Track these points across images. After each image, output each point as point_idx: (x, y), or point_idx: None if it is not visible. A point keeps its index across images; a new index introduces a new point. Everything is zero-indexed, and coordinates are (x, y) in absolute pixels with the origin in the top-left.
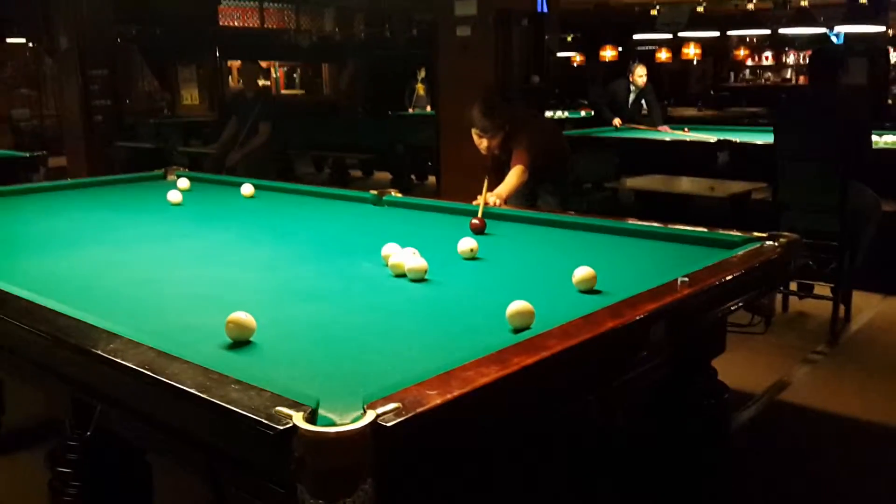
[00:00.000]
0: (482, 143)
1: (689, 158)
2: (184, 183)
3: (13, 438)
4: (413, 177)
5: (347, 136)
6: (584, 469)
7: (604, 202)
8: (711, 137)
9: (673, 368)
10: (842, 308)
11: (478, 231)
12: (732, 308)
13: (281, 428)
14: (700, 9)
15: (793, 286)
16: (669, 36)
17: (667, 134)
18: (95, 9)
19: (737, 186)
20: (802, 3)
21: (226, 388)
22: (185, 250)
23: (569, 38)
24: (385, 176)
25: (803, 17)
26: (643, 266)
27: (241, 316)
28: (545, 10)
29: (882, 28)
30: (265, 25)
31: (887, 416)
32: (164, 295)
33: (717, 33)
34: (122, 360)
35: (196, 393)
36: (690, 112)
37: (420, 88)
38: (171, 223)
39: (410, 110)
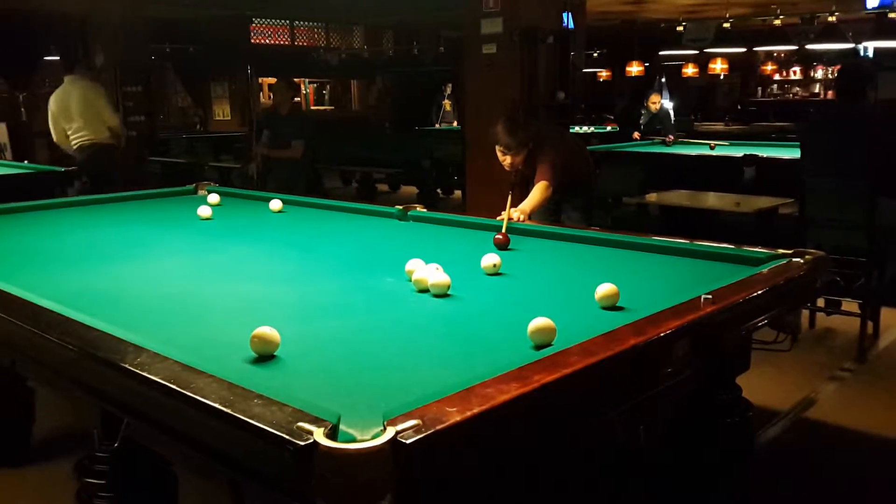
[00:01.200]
0: (506, 160)
1: (716, 173)
2: (214, 198)
3: (43, 448)
4: (439, 191)
5: (375, 150)
6: (607, 486)
7: (628, 217)
8: (738, 153)
9: (697, 385)
10: (870, 325)
11: (501, 247)
12: (758, 325)
13: (302, 444)
14: (726, 25)
15: (820, 302)
16: (696, 52)
17: (685, 147)
18: (129, 28)
19: (763, 202)
20: (830, 19)
21: (248, 403)
22: (214, 264)
23: (594, 55)
24: (412, 190)
25: (831, 33)
26: (667, 282)
27: (266, 330)
28: (571, 26)
29: None
30: (296, 43)
31: None
32: (191, 309)
33: (743, 49)
34: (148, 373)
35: (219, 407)
36: (718, 127)
37: (447, 104)
38: (201, 238)
39: (437, 126)
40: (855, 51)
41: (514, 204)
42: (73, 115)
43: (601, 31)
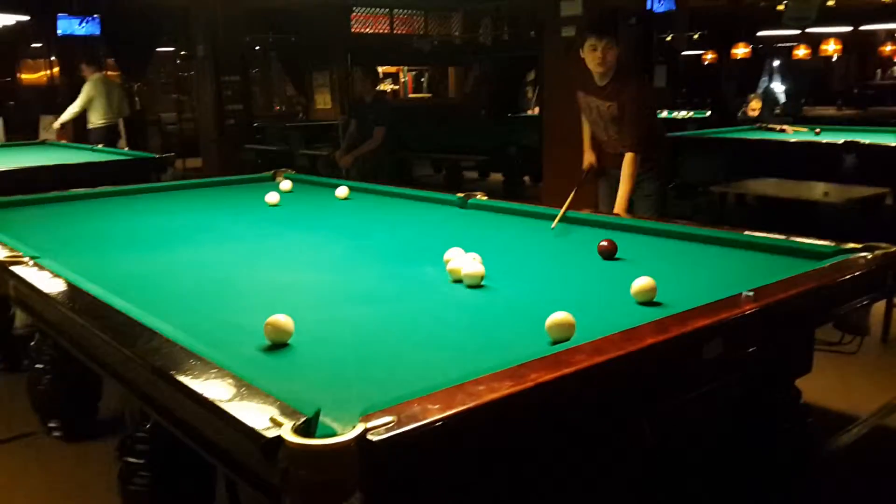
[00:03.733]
0: (596, 55)
1: (814, 161)
2: (286, 185)
3: (107, 424)
4: (526, 178)
5: (465, 138)
6: (618, 490)
7: (713, 206)
8: (841, 139)
9: (744, 388)
10: None
11: (607, 255)
12: (810, 325)
13: (268, 437)
14: (831, 2)
15: None
16: (797, 32)
17: (795, 134)
18: (230, 18)
19: (857, 191)
20: None
21: (235, 393)
22: (264, 251)
23: (696, 36)
24: (499, 178)
25: None
26: (715, 276)
27: (280, 319)
28: (672, 7)
29: None
30: (395, 31)
31: None
32: (226, 294)
33: (849, 28)
34: (151, 359)
35: (202, 395)
36: (829, 112)
37: (528, 92)
38: (262, 224)
39: (531, 112)
40: None
41: (588, 172)
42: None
43: (705, 12)
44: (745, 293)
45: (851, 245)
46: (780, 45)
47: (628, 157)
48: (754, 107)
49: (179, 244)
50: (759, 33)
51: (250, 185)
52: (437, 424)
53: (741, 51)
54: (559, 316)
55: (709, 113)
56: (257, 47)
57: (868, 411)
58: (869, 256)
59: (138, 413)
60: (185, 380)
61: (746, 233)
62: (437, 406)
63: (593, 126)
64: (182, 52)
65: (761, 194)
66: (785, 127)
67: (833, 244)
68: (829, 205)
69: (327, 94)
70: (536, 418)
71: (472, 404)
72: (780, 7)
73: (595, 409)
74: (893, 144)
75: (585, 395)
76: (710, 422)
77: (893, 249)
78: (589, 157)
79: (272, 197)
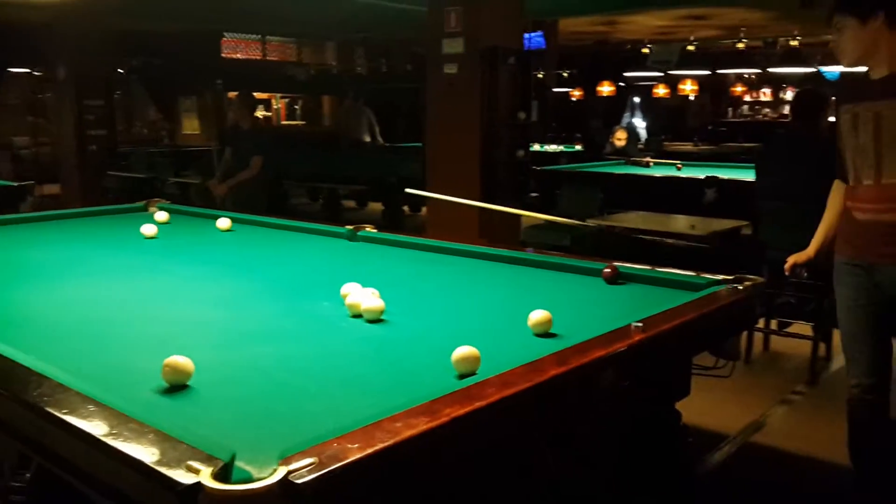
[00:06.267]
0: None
1: (679, 195)
2: (161, 216)
3: None
4: (406, 208)
5: (342, 166)
6: None
7: (587, 239)
8: (702, 174)
9: (632, 413)
10: (822, 347)
11: (611, 279)
12: (690, 353)
13: (186, 484)
14: (691, 47)
15: (773, 325)
16: (661, 74)
17: (656, 167)
18: (94, 41)
19: (720, 224)
20: (792, 43)
21: (142, 438)
22: (147, 287)
23: (565, 74)
24: (378, 207)
25: (794, 57)
26: (604, 308)
27: (179, 360)
28: (542, 46)
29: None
30: (267, 58)
31: None
32: (112, 334)
33: (708, 71)
34: (46, 406)
35: (108, 443)
36: (687, 147)
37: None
38: (142, 257)
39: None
40: (817, 74)
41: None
42: None
43: (575, 51)
44: (634, 324)
45: (723, 277)
46: (642, 83)
47: (836, 188)
48: (620, 136)
49: (55, 280)
50: (626, 73)
51: (122, 215)
52: (359, 463)
53: (606, 88)
54: (465, 350)
55: (578, 147)
56: (120, 70)
57: (736, 429)
58: (740, 287)
59: (14, 461)
60: (85, 427)
61: (627, 265)
62: (356, 445)
63: (858, 158)
64: (37, 73)
65: (633, 227)
66: (649, 160)
67: (707, 276)
68: (694, 237)
69: (195, 119)
70: (452, 452)
71: (390, 442)
72: (645, 50)
73: (504, 441)
74: (749, 179)
75: (496, 428)
76: (605, 447)
77: (760, 280)
78: (818, 241)
79: (149, 229)
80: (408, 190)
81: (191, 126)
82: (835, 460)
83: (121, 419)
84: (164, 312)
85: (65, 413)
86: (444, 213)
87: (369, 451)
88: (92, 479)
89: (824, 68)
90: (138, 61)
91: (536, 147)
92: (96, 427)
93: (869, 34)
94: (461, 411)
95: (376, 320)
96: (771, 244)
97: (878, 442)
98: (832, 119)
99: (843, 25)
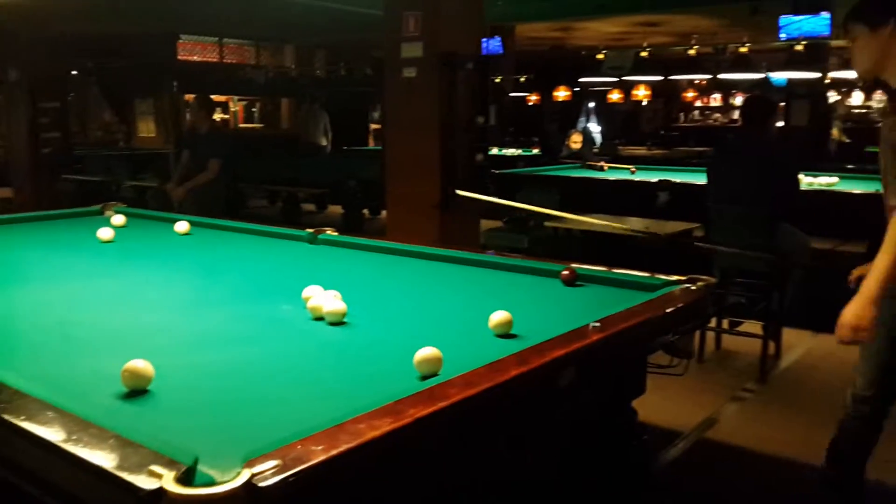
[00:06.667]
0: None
1: (633, 198)
2: (118, 219)
3: None
4: (366, 212)
5: (301, 169)
6: None
7: (545, 241)
8: (655, 178)
9: (590, 411)
10: (772, 345)
11: (568, 282)
12: (646, 352)
13: (148, 489)
14: (644, 53)
15: (725, 324)
16: (615, 79)
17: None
18: (47, 42)
19: (672, 227)
20: (742, 50)
21: (102, 444)
22: (105, 291)
23: (522, 79)
24: (337, 210)
25: (743, 63)
26: (562, 308)
27: (138, 364)
28: (500, 51)
29: (818, 74)
30: (224, 60)
31: (811, 452)
32: (70, 339)
33: (660, 77)
34: (2, 413)
35: (66, 449)
36: (641, 151)
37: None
38: (98, 262)
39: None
40: (766, 80)
41: None
42: None
43: (531, 57)
44: (591, 324)
45: (676, 277)
46: (597, 88)
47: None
48: (576, 139)
49: (10, 285)
50: (581, 79)
51: (77, 219)
52: (324, 465)
53: (562, 93)
54: (427, 351)
55: (536, 150)
56: (75, 72)
57: (690, 426)
58: (693, 287)
59: None
60: (43, 434)
61: (585, 266)
62: (320, 447)
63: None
64: None
65: (589, 229)
66: (604, 164)
67: (662, 277)
68: (648, 238)
69: (151, 121)
70: (416, 452)
71: (354, 443)
72: (600, 56)
73: (467, 440)
74: (701, 183)
75: (459, 427)
76: (563, 444)
77: (712, 281)
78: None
79: (105, 233)
80: (459, 192)
81: (147, 129)
82: (784, 455)
83: (80, 425)
84: (122, 317)
85: (22, 420)
86: (404, 216)
87: (333, 452)
88: (51, 486)
89: (772, 74)
90: (93, 63)
91: (495, 151)
92: (55, 433)
93: (879, 42)
94: (425, 412)
95: (338, 323)
96: (722, 245)
97: (862, 452)
98: (780, 124)
99: (854, 34)
